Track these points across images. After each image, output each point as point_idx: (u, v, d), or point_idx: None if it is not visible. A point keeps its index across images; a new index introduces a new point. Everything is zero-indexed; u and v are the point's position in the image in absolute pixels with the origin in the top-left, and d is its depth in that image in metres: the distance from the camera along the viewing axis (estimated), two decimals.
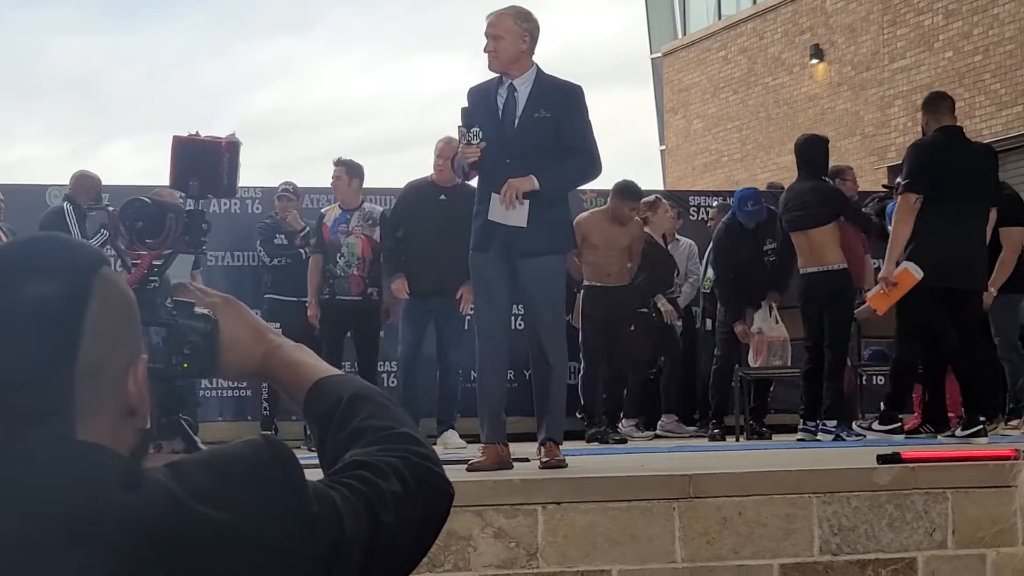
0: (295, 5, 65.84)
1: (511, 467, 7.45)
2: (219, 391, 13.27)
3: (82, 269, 1.70)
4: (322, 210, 12.09)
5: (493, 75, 7.89)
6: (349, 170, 11.71)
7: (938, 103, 10.05)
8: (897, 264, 9.66)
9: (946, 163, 9.52)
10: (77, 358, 1.65)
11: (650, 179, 29.15)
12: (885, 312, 10.09)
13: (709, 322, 13.32)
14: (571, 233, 8.76)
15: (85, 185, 12.03)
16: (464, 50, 71.18)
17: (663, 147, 27.73)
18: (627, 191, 12.19)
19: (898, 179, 10.22)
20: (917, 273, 9.52)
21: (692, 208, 15.23)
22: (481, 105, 7.76)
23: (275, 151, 56.61)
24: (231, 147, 2.46)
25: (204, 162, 2.46)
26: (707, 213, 14.65)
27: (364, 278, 11.52)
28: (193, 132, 2.58)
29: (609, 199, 12.26)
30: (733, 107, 24.75)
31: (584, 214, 12.32)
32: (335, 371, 2.07)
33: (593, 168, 7.89)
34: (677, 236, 13.75)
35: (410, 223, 11.11)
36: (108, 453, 1.65)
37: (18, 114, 63.67)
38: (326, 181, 12.07)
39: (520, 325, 11.30)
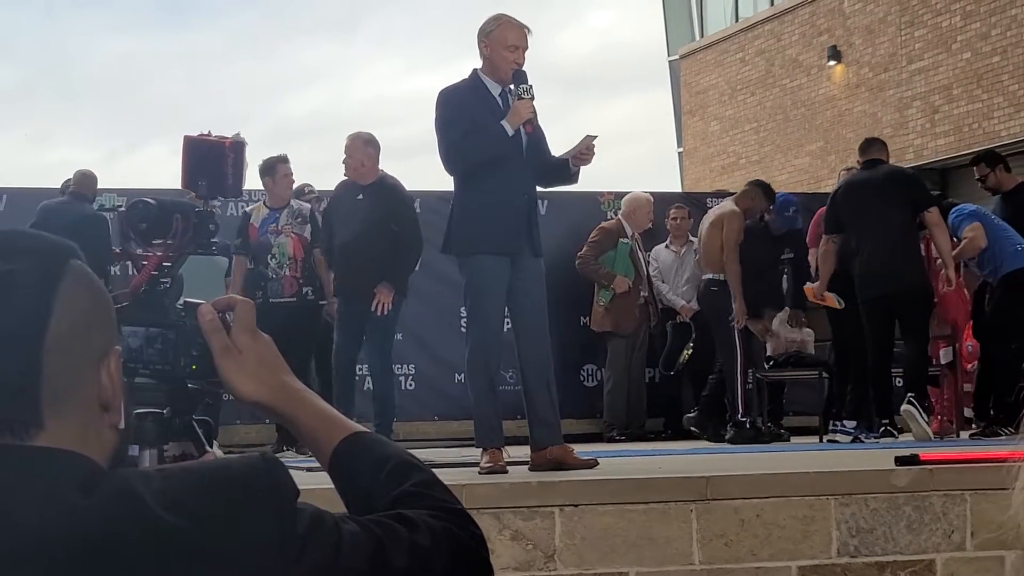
0: (338, 8, 66.03)
1: (506, 471, 7.45)
2: None
3: (55, 253, 1.69)
4: (247, 208, 11.69)
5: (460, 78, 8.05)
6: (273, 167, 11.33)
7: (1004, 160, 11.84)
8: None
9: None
10: (46, 333, 1.63)
11: (668, 181, 29.17)
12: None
13: None
14: None
15: (90, 183, 12.05)
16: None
17: (680, 149, 27.69)
18: (768, 188, 12.31)
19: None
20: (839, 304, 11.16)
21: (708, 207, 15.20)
22: (481, 107, 7.81)
23: (313, 153, 56.67)
24: (236, 147, 2.44)
25: (210, 162, 2.45)
26: None
27: (298, 278, 11.10)
28: (205, 132, 2.56)
29: (746, 195, 12.27)
30: (751, 109, 24.71)
31: (732, 210, 12.19)
32: (369, 430, 2.05)
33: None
34: (691, 237, 13.74)
35: (332, 226, 10.66)
36: (68, 456, 1.62)
37: (60, 116, 63.90)
38: None
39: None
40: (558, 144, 8.04)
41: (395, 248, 10.30)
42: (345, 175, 10.58)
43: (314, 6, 64.45)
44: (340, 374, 10.46)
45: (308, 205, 11.39)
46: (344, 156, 10.50)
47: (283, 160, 11.37)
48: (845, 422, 11.06)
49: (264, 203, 11.39)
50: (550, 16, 57.27)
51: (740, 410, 12.04)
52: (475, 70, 7.95)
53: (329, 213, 10.85)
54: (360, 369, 11.27)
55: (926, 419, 10.47)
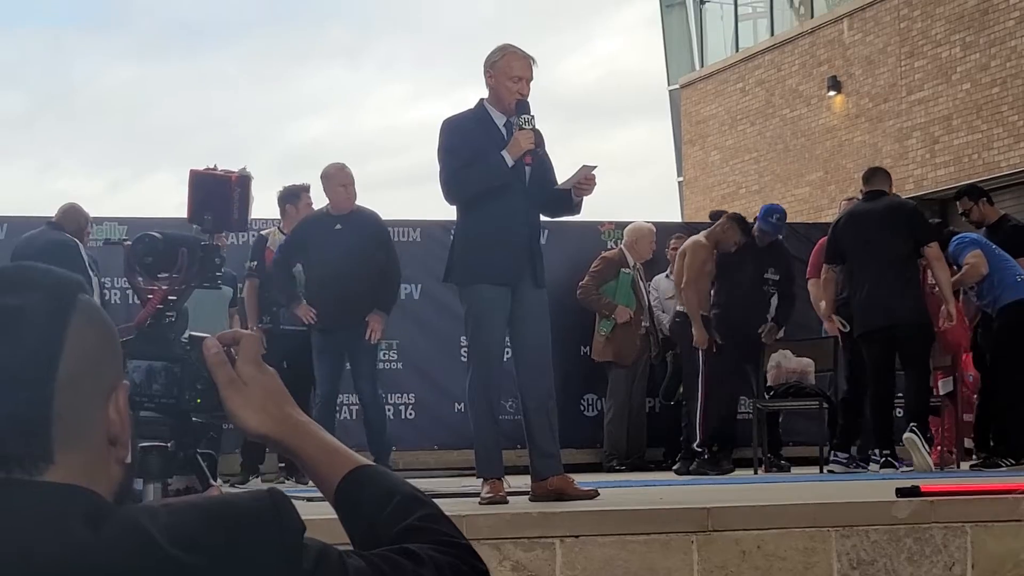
0: (344, 34, 66.23)
1: (507, 502, 7.44)
2: None
3: (64, 287, 1.70)
4: (263, 232, 11.75)
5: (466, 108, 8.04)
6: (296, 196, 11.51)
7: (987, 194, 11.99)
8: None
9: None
10: (57, 369, 1.64)
11: (668, 211, 29.17)
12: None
13: None
14: None
15: (75, 218, 12.00)
16: None
17: (681, 179, 27.73)
18: (744, 223, 12.15)
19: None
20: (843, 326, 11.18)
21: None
22: (485, 137, 7.83)
23: (317, 181, 56.55)
24: (242, 181, 2.45)
25: (217, 196, 2.46)
26: None
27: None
28: (211, 166, 2.58)
29: (719, 226, 12.11)
30: (751, 139, 24.75)
31: (699, 241, 12.12)
32: (372, 463, 2.05)
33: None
34: None
35: (309, 256, 10.55)
36: (75, 492, 1.63)
37: (65, 144, 64.00)
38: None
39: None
40: (561, 173, 8.07)
41: (381, 277, 10.34)
42: (334, 206, 10.56)
43: (321, 32, 64.71)
44: (322, 404, 10.35)
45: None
46: (338, 186, 10.49)
47: (306, 189, 11.52)
48: (838, 453, 11.09)
49: (279, 229, 11.45)
50: (555, 43, 57.47)
51: (698, 438, 11.92)
52: (481, 100, 7.96)
53: (297, 244, 10.69)
54: (342, 398, 11.35)
55: (927, 449, 10.46)
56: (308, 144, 59.25)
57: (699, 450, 11.93)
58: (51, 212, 11.63)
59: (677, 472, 11.92)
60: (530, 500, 7.59)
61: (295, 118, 64.03)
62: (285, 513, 1.69)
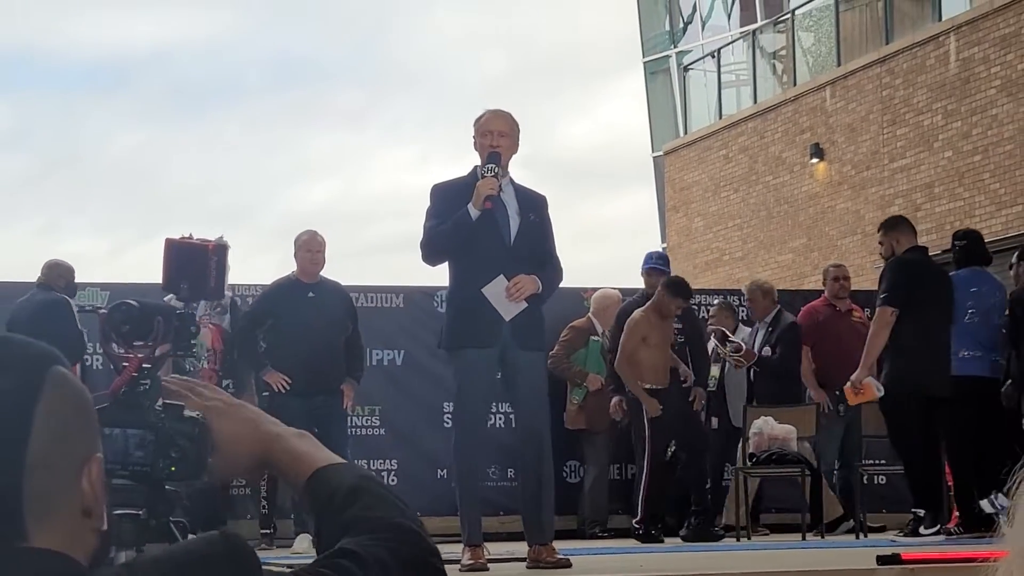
0: (350, 98, 66.50)
1: (487, 568, 7.42)
2: None
3: (35, 363, 1.70)
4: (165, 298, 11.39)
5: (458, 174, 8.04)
6: None
7: (902, 225, 10.92)
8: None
9: (920, 281, 10.26)
10: (27, 447, 1.65)
11: None
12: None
13: (715, 420, 13.24)
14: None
15: (60, 274, 11.98)
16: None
17: (665, 245, 27.79)
18: (678, 288, 11.89)
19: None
20: (879, 391, 10.26)
21: (693, 306, 15.23)
22: (468, 200, 7.80)
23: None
24: (218, 250, 2.47)
25: (193, 265, 2.47)
26: (707, 311, 14.66)
27: (217, 371, 10.87)
28: (186, 235, 2.59)
29: (657, 295, 11.83)
30: (734, 205, 24.83)
31: (638, 313, 11.84)
32: (337, 459, 2.09)
33: (561, 276, 8.10)
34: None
35: (280, 322, 10.50)
36: (51, 556, 1.64)
37: (71, 206, 64.01)
38: (364, 278, 11.71)
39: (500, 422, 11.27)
40: (560, 238, 8.09)
41: (349, 345, 10.44)
42: (304, 272, 10.58)
43: (328, 95, 64.94)
44: None
45: (229, 294, 11.03)
46: (305, 252, 10.54)
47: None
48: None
49: None
50: (558, 106, 57.74)
51: (639, 514, 11.68)
52: (475, 166, 7.98)
53: (266, 311, 10.67)
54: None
55: None
56: (312, 207, 59.41)
57: (636, 527, 11.70)
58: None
59: (684, 539, 11.76)
60: (527, 567, 7.55)
61: (299, 181, 64.19)
62: (238, 550, 1.72)
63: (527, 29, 58.90)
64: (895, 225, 10.91)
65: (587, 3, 57.01)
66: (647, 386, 11.63)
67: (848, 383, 10.42)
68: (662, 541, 11.49)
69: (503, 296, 7.63)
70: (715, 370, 13.10)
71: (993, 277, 11.12)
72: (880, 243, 10.78)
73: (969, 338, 10.58)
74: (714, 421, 13.24)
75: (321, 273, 10.62)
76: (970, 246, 11.02)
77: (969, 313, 10.59)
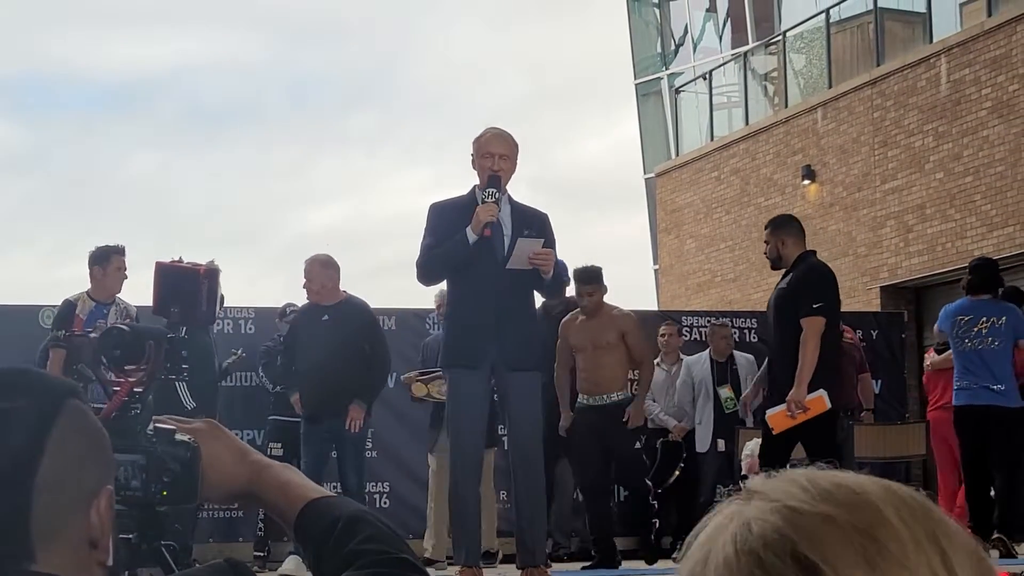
0: (364, 120, 66.53)
1: None
2: (209, 512, 13.16)
3: (54, 392, 1.72)
4: (70, 297, 10.52)
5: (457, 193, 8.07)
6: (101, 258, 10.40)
7: (790, 225, 10.28)
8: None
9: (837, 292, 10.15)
10: (38, 469, 1.66)
11: (645, 299, 29.24)
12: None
13: (721, 443, 13.21)
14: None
15: None
16: (525, 167, 71.47)
17: (657, 267, 27.80)
18: (577, 274, 10.41)
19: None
20: (827, 402, 9.39)
21: (685, 328, 15.26)
22: (465, 222, 7.79)
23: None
24: (209, 275, 2.46)
25: (184, 289, 2.46)
26: (700, 333, 14.69)
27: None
28: (176, 258, 2.59)
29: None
30: (726, 227, 24.84)
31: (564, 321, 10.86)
32: (326, 492, 2.09)
33: (568, 278, 8.37)
34: (681, 355, 13.82)
35: (297, 347, 10.60)
36: None
37: (83, 229, 63.93)
38: (377, 300, 11.65)
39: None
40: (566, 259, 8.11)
41: (366, 366, 10.34)
42: (308, 298, 10.60)
43: (340, 118, 64.96)
44: None
45: (133, 306, 10.25)
46: (304, 280, 10.51)
47: (119, 251, 10.48)
48: None
49: (88, 295, 10.42)
50: (554, 126, 57.76)
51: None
52: (474, 186, 7.97)
53: (291, 337, 10.86)
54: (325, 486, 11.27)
55: None
56: (324, 230, 59.39)
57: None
58: (56, 299, 11.18)
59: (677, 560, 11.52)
60: None
61: (312, 203, 64.13)
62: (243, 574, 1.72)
63: (539, 52, 59.03)
64: (783, 225, 10.22)
65: (578, 25, 57.13)
66: (584, 398, 10.72)
67: (784, 405, 9.37)
68: (615, 566, 10.76)
69: (526, 253, 7.64)
70: (730, 392, 13.10)
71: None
72: (766, 242, 10.08)
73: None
74: (720, 443, 13.22)
75: (349, 292, 10.65)
76: (970, 277, 11.54)
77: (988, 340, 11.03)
